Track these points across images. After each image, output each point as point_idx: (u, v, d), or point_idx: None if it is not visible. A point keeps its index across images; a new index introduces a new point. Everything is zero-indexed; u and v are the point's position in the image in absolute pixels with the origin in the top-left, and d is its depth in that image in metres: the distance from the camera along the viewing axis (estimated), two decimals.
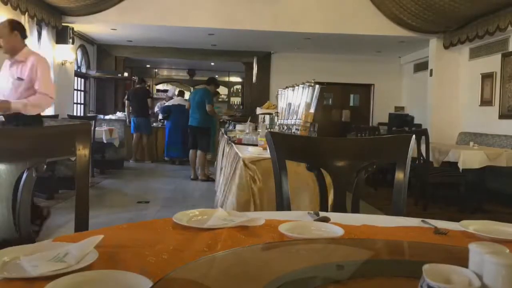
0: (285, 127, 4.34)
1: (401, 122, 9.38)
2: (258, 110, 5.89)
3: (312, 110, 3.92)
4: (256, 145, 4.04)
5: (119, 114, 9.81)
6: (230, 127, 6.40)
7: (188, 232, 1.09)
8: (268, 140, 1.68)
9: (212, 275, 0.83)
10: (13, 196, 1.32)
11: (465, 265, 0.70)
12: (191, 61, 11.96)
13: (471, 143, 6.06)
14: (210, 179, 7.07)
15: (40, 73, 3.47)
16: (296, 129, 4.02)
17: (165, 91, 13.43)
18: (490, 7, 6.18)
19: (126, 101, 9.35)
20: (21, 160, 1.33)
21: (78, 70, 9.48)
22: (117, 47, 10.41)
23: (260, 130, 4.79)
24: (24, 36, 3.58)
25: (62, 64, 8.07)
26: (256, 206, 3.26)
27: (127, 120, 9.17)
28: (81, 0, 6.99)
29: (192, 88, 13.14)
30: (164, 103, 10.48)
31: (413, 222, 1.27)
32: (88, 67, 10.01)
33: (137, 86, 9.55)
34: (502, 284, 0.64)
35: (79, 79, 9.73)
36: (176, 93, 10.50)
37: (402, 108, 10.72)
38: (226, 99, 13.79)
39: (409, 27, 7.55)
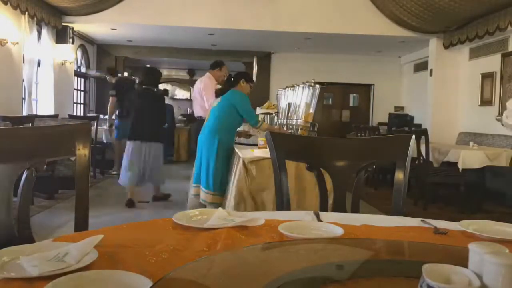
0: (285, 127, 4.34)
1: (401, 122, 9.39)
2: (258, 110, 5.89)
3: (312, 110, 3.92)
4: (256, 145, 4.04)
5: None
6: None
7: (188, 232, 1.09)
8: (268, 140, 1.68)
9: (212, 275, 0.83)
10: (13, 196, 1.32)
11: (465, 265, 0.70)
12: (191, 61, 11.95)
13: (471, 143, 6.05)
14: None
15: None
16: (296, 129, 4.02)
17: None
18: (490, 7, 6.18)
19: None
20: (21, 160, 1.33)
21: (78, 70, 9.47)
22: (117, 47, 10.40)
23: None
24: None
25: (62, 64, 8.07)
26: (256, 206, 3.26)
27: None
28: (81, 0, 6.99)
29: (192, 88, 13.13)
30: None
31: (413, 222, 1.27)
32: (88, 67, 10.00)
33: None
34: (502, 284, 0.64)
35: (79, 79, 9.73)
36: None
37: (402, 108, 10.73)
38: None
39: (409, 27, 7.55)
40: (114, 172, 7.38)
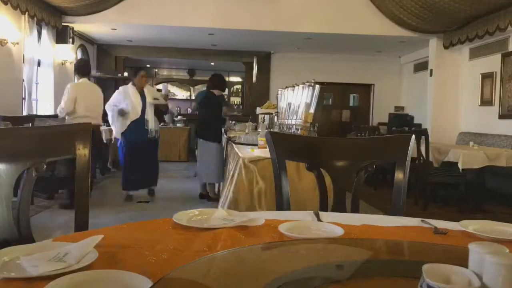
0: (285, 127, 4.34)
1: (401, 122, 9.39)
2: (258, 110, 5.89)
3: (312, 110, 3.92)
4: (256, 145, 4.04)
5: None
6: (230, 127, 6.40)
7: (188, 232, 1.09)
8: (268, 140, 1.68)
9: (212, 275, 0.83)
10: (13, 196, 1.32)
11: (465, 265, 0.70)
12: (191, 61, 11.95)
13: (471, 143, 6.05)
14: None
15: None
16: (296, 129, 4.02)
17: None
18: (490, 7, 6.18)
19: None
20: (21, 160, 1.33)
21: None
22: (117, 47, 10.40)
23: (260, 130, 4.79)
24: None
25: (62, 64, 8.06)
26: (256, 206, 3.26)
27: None
28: (81, 0, 6.99)
29: (192, 88, 13.15)
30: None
31: (413, 222, 1.27)
32: None
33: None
34: (502, 284, 0.64)
35: None
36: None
37: (402, 108, 10.73)
38: (226, 99, 13.81)
39: (409, 27, 7.55)
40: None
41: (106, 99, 5.79)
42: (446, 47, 7.79)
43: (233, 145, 4.21)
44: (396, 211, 1.58)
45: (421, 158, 5.33)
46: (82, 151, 1.39)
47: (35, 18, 6.61)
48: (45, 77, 7.44)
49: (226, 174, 4.44)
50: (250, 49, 10.24)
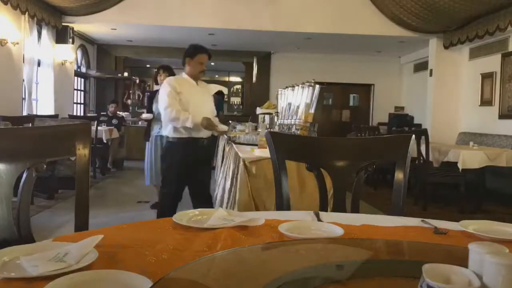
0: (285, 127, 4.34)
1: (401, 122, 9.39)
2: (258, 110, 5.89)
3: (312, 110, 3.92)
4: (256, 145, 4.03)
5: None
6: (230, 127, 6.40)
7: (188, 232, 1.09)
8: (268, 140, 1.67)
9: (212, 275, 0.83)
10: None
11: (465, 265, 0.70)
12: None
13: (471, 143, 6.05)
14: None
15: None
16: (296, 129, 4.02)
17: None
18: (490, 7, 6.18)
19: None
20: (21, 160, 1.33)
21: (78, 70, 9.47)
22: (117, 47, 10.40)
23: (260, 130, 4.79)
24: None
25: (62, 64, 8.07)
26: (256, 206, 3.26)
27: None
28: (81, 0, 6.99)
29: None
30: None
31: (413, 222, 1.27)
32: (88, 67, 10.01)
33: None
34: (502, 284, 0.64)
35: (79, 79, 9.73)
36: None
37: (402, 108, 10.73)
38: (226, 99, 13.81)
39: (409, 27, 7.55)
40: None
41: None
42: (446, 47, 7.79)
43: (233, 145, 4.21)
44: (396, 211, 1.58)
45: (421, 158, 5.33)
46: (82, 151, 1.39)
47: (35, 18, 6.61)
48: (45, 77, 7.44)
49: (220, 173, 4.44)
50: (250, 49, 10.24)
